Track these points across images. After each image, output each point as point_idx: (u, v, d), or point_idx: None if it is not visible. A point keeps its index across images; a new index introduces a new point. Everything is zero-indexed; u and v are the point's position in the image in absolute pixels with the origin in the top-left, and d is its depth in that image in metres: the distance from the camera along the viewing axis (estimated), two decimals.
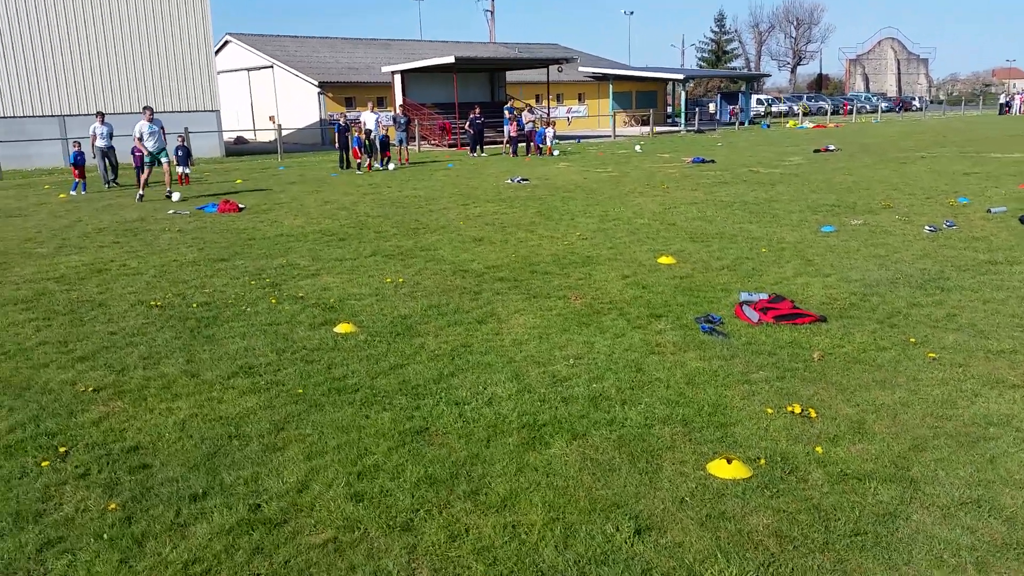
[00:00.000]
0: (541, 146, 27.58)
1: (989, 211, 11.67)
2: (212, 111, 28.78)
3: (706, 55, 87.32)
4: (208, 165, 25.43)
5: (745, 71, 79.75)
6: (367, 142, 22.53)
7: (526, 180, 18.05)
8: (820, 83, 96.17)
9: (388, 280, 8.23)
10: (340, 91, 37.21)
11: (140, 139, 15.76)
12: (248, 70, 41.17)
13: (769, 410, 4.66)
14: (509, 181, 17.96)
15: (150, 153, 15.78)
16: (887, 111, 63.67)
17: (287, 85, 38.37)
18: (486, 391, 5.09)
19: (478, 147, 27.53)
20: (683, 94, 46.20)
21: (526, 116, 28.22)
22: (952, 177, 16.54)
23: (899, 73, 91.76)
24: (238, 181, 19.62)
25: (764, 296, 6.88)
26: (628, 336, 6.12)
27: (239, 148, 34.28)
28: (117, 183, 18.95)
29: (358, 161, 22.45)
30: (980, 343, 5.81)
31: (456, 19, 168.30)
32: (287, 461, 4.14)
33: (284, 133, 27.99)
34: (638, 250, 9.54)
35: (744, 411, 4.66)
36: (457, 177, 19.62)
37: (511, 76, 39.95)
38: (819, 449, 4.17)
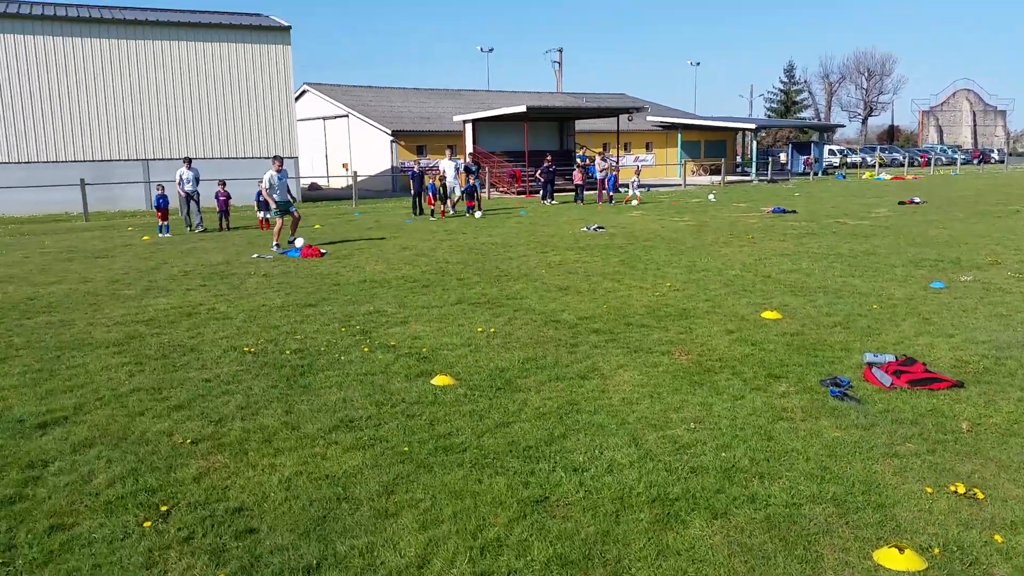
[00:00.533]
0: (613, 194, 27.28)
1: None
2: (292, 158, 29.44)
3: (775, 105, 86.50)
4: None
5: (815, 121, 78.62)
6: (441, 188, 22.57)
7: (602, 228, 17.75)
8: (892, 135, 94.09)
9: (479, 330, 7.95)
10: (412, 139, 37.83)
11: (268, 188, 14.97)
12: (324, 119, 42.26)
13: (929, 489, 4.16)
14: (585, 229, 17.68)
15: (275, 203, 15.04)
16: (964, 163, 61.70)
17: (361, 133, 39.21)
18: (603, 456, 4.71)
19: (549, 195, 27.41)
20: (754, 143, 45.61)
21: (598, 164, 28.08)
22: None
23: (975, 125, 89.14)
24: (316, 227, 19.81)
25: (891, 358, 6.35)
26: (748, 399, 5.68)
27: (314, 194, 34.96)
28: (203, 227, 19.31)
29: (431, 208, 22.49)
30: None
31: (522, 71, 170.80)
32: (402, 530, 3.82)
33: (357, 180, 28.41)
34: (736, 303, 9.09)
35: (900, 490, 4.17)
36: (531, 224, 19.44)
37: (579, 125, 40.05)
38: (998, 538, 3.66)
